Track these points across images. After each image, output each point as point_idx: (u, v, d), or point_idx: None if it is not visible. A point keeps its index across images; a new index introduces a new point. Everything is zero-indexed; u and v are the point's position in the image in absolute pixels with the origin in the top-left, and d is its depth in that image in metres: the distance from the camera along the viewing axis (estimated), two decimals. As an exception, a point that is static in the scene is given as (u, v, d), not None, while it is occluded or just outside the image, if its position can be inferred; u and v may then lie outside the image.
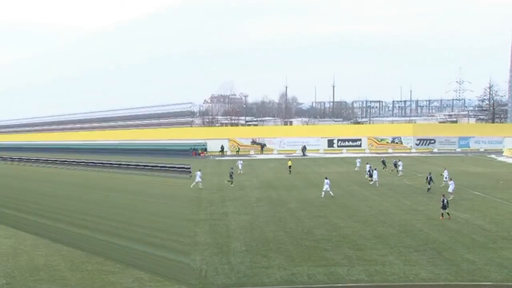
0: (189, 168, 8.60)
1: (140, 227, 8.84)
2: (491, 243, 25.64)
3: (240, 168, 55.68)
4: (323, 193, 39.60)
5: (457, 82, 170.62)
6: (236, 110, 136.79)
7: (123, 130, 9.95)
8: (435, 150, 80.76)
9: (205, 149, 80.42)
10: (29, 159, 12.53)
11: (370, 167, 49.81)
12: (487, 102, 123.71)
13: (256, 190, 43.75)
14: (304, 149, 77.95)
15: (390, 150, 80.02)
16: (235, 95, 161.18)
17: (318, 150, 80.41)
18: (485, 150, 79.60)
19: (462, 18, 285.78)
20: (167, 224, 8.43)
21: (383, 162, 56.90)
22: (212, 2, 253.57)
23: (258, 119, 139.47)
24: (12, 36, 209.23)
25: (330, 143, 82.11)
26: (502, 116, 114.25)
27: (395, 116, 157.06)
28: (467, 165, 61.16)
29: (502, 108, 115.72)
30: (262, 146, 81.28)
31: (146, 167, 9.33)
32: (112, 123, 10.18)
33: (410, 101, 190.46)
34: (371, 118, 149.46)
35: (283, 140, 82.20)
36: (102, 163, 10.19)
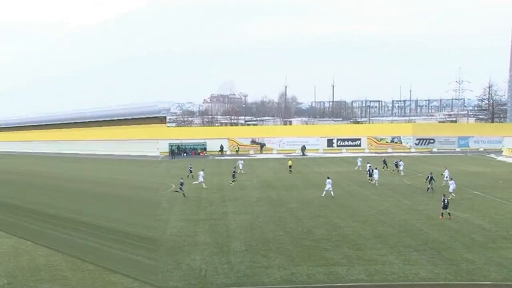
0: None
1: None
2: (491, 243, 25.68)
3: (241, 168, 55.85)
4: (324, 192, 39.65)
5: (456, 82, 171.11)
6: (236, 110, 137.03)
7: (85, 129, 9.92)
8: (435, 149, 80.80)
9: (205, 149, 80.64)
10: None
11: (370, 166, 49.92)
12: (487, 102, 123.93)
13: (256, 190, 43.80)
14: (303, 148, 78.00)
15: (389, 150, 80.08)
16: (234, 94, 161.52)
17: (317, 149, 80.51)
18: (484, 149, 79.66)
19: (462, 18, 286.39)
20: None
21: (384, 162, 56.98)
22: (212, 2, 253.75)
23: (258, 118, 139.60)
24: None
25: (330, 142, 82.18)
26: (501, 115, 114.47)
27: (394, 116, 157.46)
28: (467, 165, 61.21)
29: (502, 107, 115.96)
30: (262, 145, 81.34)
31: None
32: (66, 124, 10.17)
33: (410, 100, 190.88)
34: (371, 118, 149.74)
35: (283, 140, 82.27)
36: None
